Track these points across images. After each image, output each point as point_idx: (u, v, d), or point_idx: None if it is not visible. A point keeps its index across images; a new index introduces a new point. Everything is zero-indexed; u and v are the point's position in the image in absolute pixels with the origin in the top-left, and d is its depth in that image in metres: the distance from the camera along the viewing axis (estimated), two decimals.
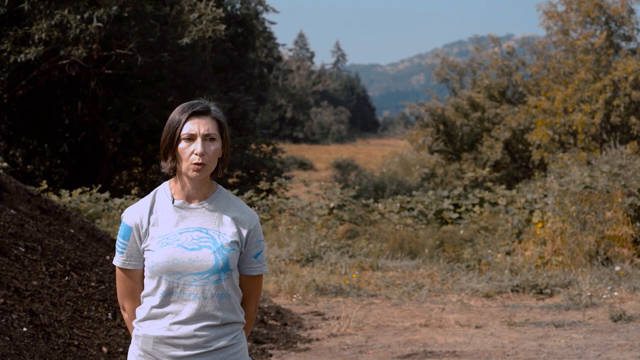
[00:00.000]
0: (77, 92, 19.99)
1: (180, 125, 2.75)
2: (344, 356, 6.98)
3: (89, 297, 5.92)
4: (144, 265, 2.83)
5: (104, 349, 5.28)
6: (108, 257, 6.97)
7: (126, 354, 5.33)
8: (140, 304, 2.85)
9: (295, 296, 9.57)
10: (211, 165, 2.77)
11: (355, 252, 11.88)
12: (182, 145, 2.74)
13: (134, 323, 2.85)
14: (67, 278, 6.01)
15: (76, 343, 5.15)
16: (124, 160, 21.40)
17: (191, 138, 2.74)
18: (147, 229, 2.79)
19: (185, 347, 2.75)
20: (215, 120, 2.78)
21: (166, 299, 2.76)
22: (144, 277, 2.84)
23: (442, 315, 8.52)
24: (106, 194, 13.69)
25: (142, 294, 2.83)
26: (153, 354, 2.76)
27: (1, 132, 19.96)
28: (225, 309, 2.79)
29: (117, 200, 13.61)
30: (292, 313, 8.63)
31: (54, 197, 12.85)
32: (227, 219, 2.81)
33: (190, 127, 2.74)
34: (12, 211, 6.81)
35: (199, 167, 2.73)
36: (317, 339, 7.55)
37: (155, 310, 2.77)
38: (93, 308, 5.79)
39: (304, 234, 12.49)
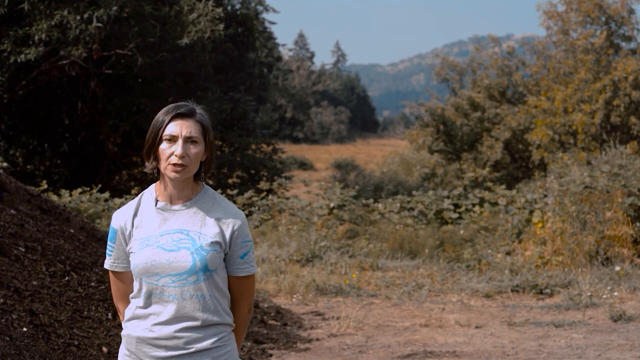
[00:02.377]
0: (77, 92, 19.99)
1: (163, 126, 2.75)
2: (344, 356, 6.98)
3: (89, 297, 5.92)
4: None
5: (104, 349, 5.28)
6: None
7: None
8: None
9: (295, 296, 9.57)
10: (192, 168, 2.76)
11: (355, 252, 11.88)
12: (163, 145, 2.75)
13: (122, 323, 2.88)
14: (67, 278, 6.01)
15: (76, 343, 5.15)
16: (124, 160, 21.40)
17: (172, 139, 2.74)
18: (131, 232, 2.81)
19: (167, 348, 2.75)
20: (199, 123, 2.78)
21: (148, 300, 2.77)
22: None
23: (442, 315, 8.52)
24: (106, 194, 13.69)
25: (130, 295, 2.85)
26: (137, 354, 2.78)
27: (1, 132, 19.96)
28: (207, 311, 2.77)
29: (117, 200, 13.60)
30: (292, 313, 8.63)
31: (54, 197, 12.85)
32: (210, 220, 2.79)
33: (173, 128, 2.75)
34: (12, 211, 6.81)
35: (178, 168, 2.73)
36: (317, 339, 7.55)
37: (139, 311, 2.79)
38: (93, 308, 5.79)
39: (304, 234, 12.50)
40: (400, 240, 12.84)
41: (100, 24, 16.84)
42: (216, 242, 2.77)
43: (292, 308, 8.98)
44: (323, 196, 14.67)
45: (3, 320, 4.88)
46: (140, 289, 2.79)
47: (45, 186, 14.21)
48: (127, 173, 21.91)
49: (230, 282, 2.85)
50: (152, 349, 2.76)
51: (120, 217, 2.83)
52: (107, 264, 2.87)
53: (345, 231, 13.56)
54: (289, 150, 46.74)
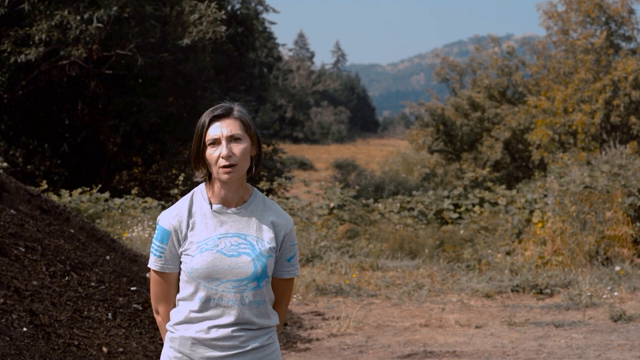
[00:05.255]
0: (77, 92, 20.00)
1: (204, 132, 2.75)
2: (344, 356, 6.98)
3: (89, 297, 5.92)
4: (179, 269, 2.82)
5: (104, 349, 5.28)
6: (108, 257, 6.97)
7: (126, 353, 5.33)
8: (174, 307, 2.84)
9: (295, 296, 9.57)
10: (242, 165, 2.75)
11: (355, 252, 11.88)
12: (209, 151, 2.74)
13: (168, 326, 2.83)
14: (67, 278, 6.01)
15: (76, 343, 5.15)
16: (124, 160, 21.40)
17: (216, 142, 2.74)
18: (186, 233, 2.77)
19: (223, 348, 2.76)
20: (239, 120, 2.76)
21: (205, 305, 2.76)
22: (178, 280, 2.84)
23: (442, 315, 8.52)
24: (106, 194, 13.69)
25: (178, 297, 2.82)
26: (190, 355, 2.77)
27: (1, 132, 19.96)
28: (262, 315, 2.80)
29: (117, 200, 13.60)
30: (292, 313, 8.63)
31: (54, 197, 12.85)
32: (264, 224, 2.81)
33: (213, 131, 2.74)
34: (12, 211, 6.81)
35: (229, 169, 2.72)
36: (317, 339, 7.56)
37: (193, 315, 2.77)
38: (93, 308, 5.79)
39: (304, 234, 12.50)
40: (400, 240, 12.84)
41: (100, 25, 16.84)
42: (273, 248, 2.79)
43: (292, 308, 8.98)
44: (323, 196, 14.67)
45: (3, 320, 4.88)
46: (195, 293, 2.76)
47: (45, 186, 14.21)
48: (127, 173, 21.91)
49: (274, 283, 2.88)
50: (207, 349, 2.76)
51: (173, 218, 2.79)
52: (157, 266, 2.80)
53: (345, 231, 13.56)
54: (289, 150, 46.76)
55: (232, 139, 2.74)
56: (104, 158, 20.44)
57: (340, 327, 7.97)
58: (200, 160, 2.77)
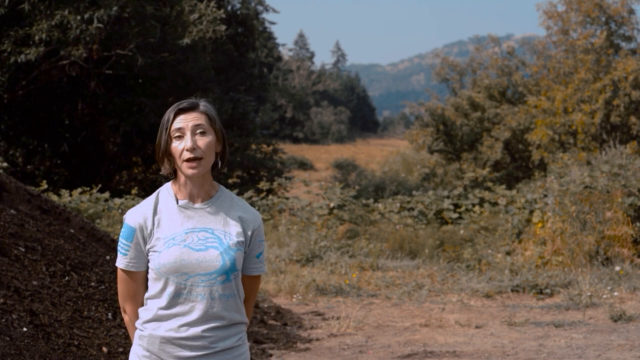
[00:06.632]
0: (77, 92, 20.00)
1: (169, 125, 2.74)
2: (344, 356, 6.98)
3: (89, 297, 5.92)
4: (147, 267, 2.80)
5: (104, 349, 5.28)
6: (108, 257, 6.97)
7: (126, 353, 5.33)
8: (143, 306, 2.83)
9: (295, 296, 9.57)
10: (208, 159, 2.74)
11: (355, 252, 11.88)
12: (174, 144, 2.73)
13: (137, 324, 2.82)
14: (67, 278, 6.01)
15: (76, 343, 5.15)
16: (124, 160, 21.41)
17: (181, 135, 2.73)
18: (151, 230, 2.76)
19: (192, 348, 2.73)
20: (204, 114, 2.76)
21: (174, 301, 2.74)
22: (146, 278, 2.82)
23: (442, 315, 8.52)
24: (106, 194, 13.69)
25: (147, 295, 2.80)
26: (159, 354, 2.74)
27: (1, 132, 19.97)
28: (232, 309, 2.78)
29: (117, 200, 13.60)
30: (292, 313, 8.63)
31: (54, 197, 12.84)
32: (231, 219, 2.79)
33: (179, 123, 2.73)
34: (12, 211, 6.81)
35: (194, 163, 2.71)
36: (317, 339, 7.56)
37: (162, 312, 2.75)
38: (93, 308, 5.79)
39: (304, 234, 12.50)
40: (400, 240, 12.84)
41: (100, 25, 16.83)
42: (241, 242, 2.78)
43: (292, 308, 8.98)
44: (323, 196, 14.67)
45: (3, 320, 4.88)
46: (164, 289, 2.74)
47: (45, 186, 14.21)
48: (127, 173, 21.92)
49: (242, 280, 2.86)
50: (176, 349, 2.74)
51: (139, 215, 2.77)
52: (122, 264, 2.79)
53: (345, 231, 13.56)
54: (289, 150, 46.76)
55: (197, 132, 2.73)
56: (104, 158, 20.45)
57: (340, 327, 7.97)
58: (165, 155, 2.75)
